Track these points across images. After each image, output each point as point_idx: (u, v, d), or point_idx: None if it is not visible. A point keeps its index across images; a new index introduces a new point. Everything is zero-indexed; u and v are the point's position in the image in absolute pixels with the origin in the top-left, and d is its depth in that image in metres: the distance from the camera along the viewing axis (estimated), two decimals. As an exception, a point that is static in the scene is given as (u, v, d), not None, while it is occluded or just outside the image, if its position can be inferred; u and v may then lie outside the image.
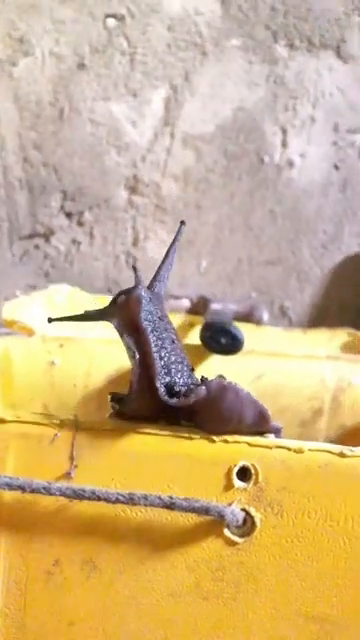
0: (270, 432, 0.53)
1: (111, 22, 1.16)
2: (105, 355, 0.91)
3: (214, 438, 0.51)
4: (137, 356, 0.54)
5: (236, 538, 0.50)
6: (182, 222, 0.61)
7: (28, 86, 1.18)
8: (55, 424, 0.52)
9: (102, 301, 1.05)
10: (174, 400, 0.52)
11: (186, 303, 1.18)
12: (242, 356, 0.91)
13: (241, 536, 0.50)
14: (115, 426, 0.53)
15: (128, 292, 0.56)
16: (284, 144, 1.22)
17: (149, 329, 0.54)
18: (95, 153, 1.22)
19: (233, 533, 0.50)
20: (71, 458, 0.51)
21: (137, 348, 0.54)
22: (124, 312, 0.56)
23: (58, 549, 0.51)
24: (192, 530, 0.50)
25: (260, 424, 0.52)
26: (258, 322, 1.14)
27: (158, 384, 0.53)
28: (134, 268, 0.59)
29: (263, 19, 1.16)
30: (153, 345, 0.54)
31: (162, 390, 0.53)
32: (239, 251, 1.26)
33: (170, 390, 0.53)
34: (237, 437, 0.52)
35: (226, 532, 0.50)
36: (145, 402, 0.54)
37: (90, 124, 1.20)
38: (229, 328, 0.91)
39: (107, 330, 0.94)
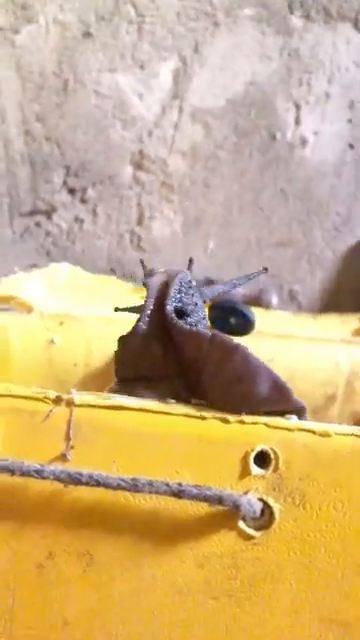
0: (291, 411, 0.48)
1: (118, -12, 1.13)
2: (107, 334, 0.87)
3: (229, 418, 0.47)
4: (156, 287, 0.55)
5: (252, 531, 0.46)
6: (265, 269, 0.63)
7: (31, 55, 1.16)
8: (50, 399, 0.47)
9: (104, 281, 1.05)
10: (180, 321, 0.52)
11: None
12: (251, 338, 0.88)
13: (258, 529, 0.46)
14: (117, 402, 0.48)
15: None
16: (297, 121, 1.20)
17: (178, 284, 0.55)
18: (100, 127, 1.20)
19: (249, 526, 0.46)
20: (67, 438, 0.47)
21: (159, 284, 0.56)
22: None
23: (51, 540, 0.46)
24: (203, 521, 0.46)
25: (277, 399, 0.48)
26: (267, 306, 1.12)
27: (169, 302, 0.53)
28: (190, 260, 0.60)
29: (278, -12, 1.13)
30: (175, 288, 0.54)
31: (170, 308, 0.52)
32: (248, 232, 1.24)
33: (179, 313, 0.53)
34: (255, 418, 0.47)
35: (241, 524, 0.46)
36: (149, 336, 0.53)
37: (95, 96, 1.18)
38: (239, 308, 0.88)
39: (107, 310, 0.91)
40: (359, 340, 0.93)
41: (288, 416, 0.48)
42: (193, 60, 1.16)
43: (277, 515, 0.45)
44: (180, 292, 0.54)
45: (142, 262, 0.62)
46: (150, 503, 0.46)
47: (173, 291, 0.53)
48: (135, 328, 0.53)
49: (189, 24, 1.15)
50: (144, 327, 0.53)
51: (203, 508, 0.45)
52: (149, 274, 0.56)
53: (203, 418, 0.47)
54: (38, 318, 0.89)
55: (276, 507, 0.45)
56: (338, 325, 1.03)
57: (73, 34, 1.15)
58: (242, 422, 0.47)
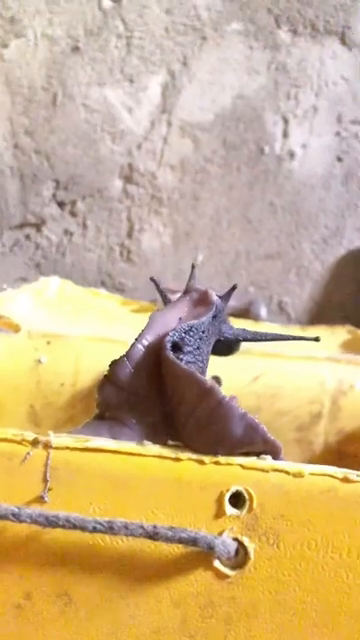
0: (266, 450, 0.48)
1: (107, 3, 1.12)
2: (95, 353, 0.87)
3: (204, 460, 0.47)
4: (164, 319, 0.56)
5: (227, 571, 0.46)
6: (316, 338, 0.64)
7: (20, 69, 1.15)
8: (28, 441, 0.47)
9: (94, 294, 1.04)
10: (171, 352, 0.52)
11: (181, 298, 1.15)
12: (238, 356, 0.87)
13: (233, 568, 0.46)
14: (94, 445, 0.48)
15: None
16: (285, 134, 1.19)
17: (189, 325, 0.55)
18: (89, 140, 1.19)
19: (224, 565, 0.46)
20: (45, 480, 0.47)
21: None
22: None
23: (29, 581, 0.46)
24: (179, 561, 0.46)
25: (251, 440, 0.48)
26: (255, 318, 1.11)
27: (170, 334, 0.53)
28: (233, 287, 0.62)
29: (265, 3, 1.13)
30: (183, 327, 0.54)
31: (169, 339, 0.52)
32: (237, 244, 1.23)
33: (174, 347, 0.53)
34: (230, 459, 0.47)
35: (216, 564, 0.46)
36: (141, 363, 0.53)
37: (84, 110, 1.17)
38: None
39: (96, 327, 0.91)
40: (346, 358, 0.93)
41: (263, 456, 0.48)
42: (182, 74, 1.16)
43: (252, 555, 0.45)
44: (187, 332, 0.54)
45: (193, 266, 0.62)
46: (127, 544, 0.46)
47: (180, 327, 0.53)
48: (131, 349, 0.53)
49: (177, 38, 1.14)
50: (139, 352, 0.53)
51: (179, 548, 0.45)
52: (188, 289, 0.59)
53: (178, 460, 0.47)
54: (25, 338, 0.88)
55: (251, 547, 0.46)
56: (327, 337, 1.03)
57: (62, 48, 1.14)
58: (217, 463, 0.47)
